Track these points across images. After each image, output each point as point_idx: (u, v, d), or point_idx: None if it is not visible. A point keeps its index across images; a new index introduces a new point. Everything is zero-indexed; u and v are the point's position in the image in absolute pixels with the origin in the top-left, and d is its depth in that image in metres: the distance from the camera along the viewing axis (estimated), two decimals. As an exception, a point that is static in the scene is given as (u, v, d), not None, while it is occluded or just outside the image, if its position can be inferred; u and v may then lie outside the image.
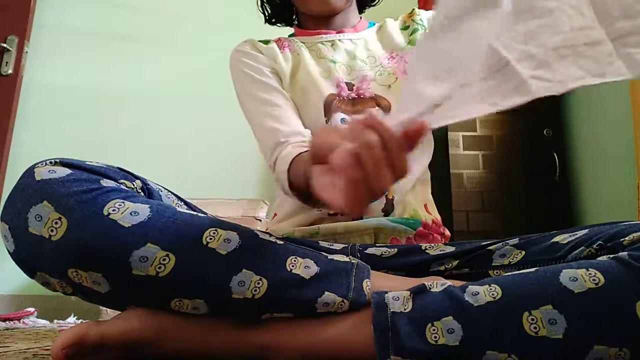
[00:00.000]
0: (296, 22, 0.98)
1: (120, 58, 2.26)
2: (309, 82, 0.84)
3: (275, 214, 0.87)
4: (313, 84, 0.83)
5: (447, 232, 0.84)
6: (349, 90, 0.83)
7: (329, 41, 0.89)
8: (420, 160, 0.85)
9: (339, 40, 0.89)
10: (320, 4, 0.86)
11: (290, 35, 0.95)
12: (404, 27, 0.91)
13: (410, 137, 0.39)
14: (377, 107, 0.82)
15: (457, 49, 0.42)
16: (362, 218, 0.77)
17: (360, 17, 0.96)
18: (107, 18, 2.30)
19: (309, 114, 0.82)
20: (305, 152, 0.70)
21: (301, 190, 0.67)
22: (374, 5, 0.99)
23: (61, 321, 1.62)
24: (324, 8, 0.87)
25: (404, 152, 0.40)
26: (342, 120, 0.81)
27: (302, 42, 0.90)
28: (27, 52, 2.11)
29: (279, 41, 0.90)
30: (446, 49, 0.43)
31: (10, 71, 2.06)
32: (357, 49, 0.88)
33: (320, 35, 0.90)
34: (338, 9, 0.89)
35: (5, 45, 2.05)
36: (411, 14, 0.92)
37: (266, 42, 0.90)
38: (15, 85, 2.06)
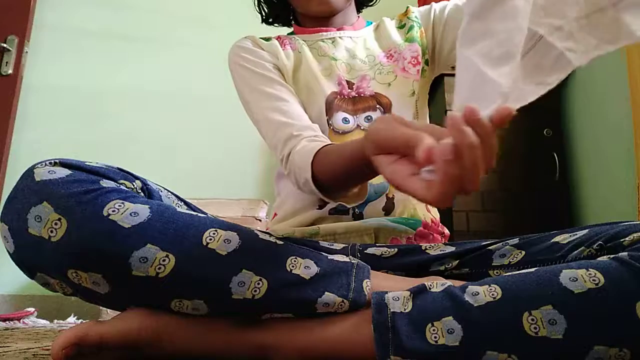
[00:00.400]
0: (294, 22, 0.98)
1: (120, 58, 2.26)
2: (311, 80, 0.84)
3: (275, 214, 0.87)
4: (315, 82, 0.83)
5: (446, 231, 0.85)
6: (349, 89, 0.83)
7: (330, 38, 0.89)
8: None
9: (340, 37, 0.89)
10: (320, 4, 0.86)
11: (290, 34, 0.95)
12: (400, 26, 0.91)
13: (496, 126, 0.39)
14: (378, 105, 0.82)
15: (504, 30, 0.42)
16: (362, 218, 0.78)
17: (358, 17, 0.96)
18: (107, 18, 2.30)
19: (311, 112, 0.82)
20: (329, 145, 0.69)
21: (326, 183, 0.67)
22: (371, 5, 1.00)
23: (61, 321, 1.62)
24: (324, 8, 0.87)
25: (494, 147, 0.39)
26: (344, 119, 0.81)
27: (303, 40, 0.90)
28: (27, 52, 2.11)
29: (279, 39, 0.90)
30: (496, 30, 0.42)
31: (10, 71, 2.06)
32: (357, 47, 0.89)
33: (320, 33, 0.90)
34: (338, 9, 0.89)
35: (5, 45, 2.05)
36: (406, 12, 0.92)
37: (267, 39, 0.90)
38: (15, 85, 2.06)
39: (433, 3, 0.92)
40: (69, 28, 2.28)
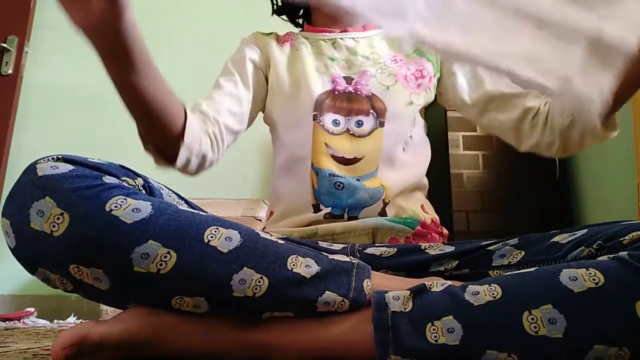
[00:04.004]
0: (305, 21, 0.99)
1: (120, 58, 2.25)
2: (302, 75, 0.85)
3: (271, 212, 0.87)
4: (304, 80, 0.84)
5: (445, 231, 0.85)
6: (347, 83, 0.83)
7: (331, 39, 0.90)
8: (415, 165, 0.84)
9: (341, 39, 0.90)
10: None
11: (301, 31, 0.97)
12: None
13: None
14: (371, 110, 0.81)
15: None
16: (357, 218, 0.77)
17: None
18: (107, 18, 2.30)
19: (298, 106, 0.83)
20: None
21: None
22: None
23: (61, 321, 1.63)
24: None
25: None
26: (335, 121, 0.81)
27: (306, 38, 0.92)
28: (27, 52, 2.11)
29: (285, 35, 0.93)
30: None
31: (10, 71, 2.06)
32: (359, 46, 0.89)
33: (323, 33, 0.91)
34: None
35: (5, 45, 2.05)
36: None
37: (269, 34, 0.94)
38: (15, 85, 2.06)
39: None
40: (69, 28, 2.28)
